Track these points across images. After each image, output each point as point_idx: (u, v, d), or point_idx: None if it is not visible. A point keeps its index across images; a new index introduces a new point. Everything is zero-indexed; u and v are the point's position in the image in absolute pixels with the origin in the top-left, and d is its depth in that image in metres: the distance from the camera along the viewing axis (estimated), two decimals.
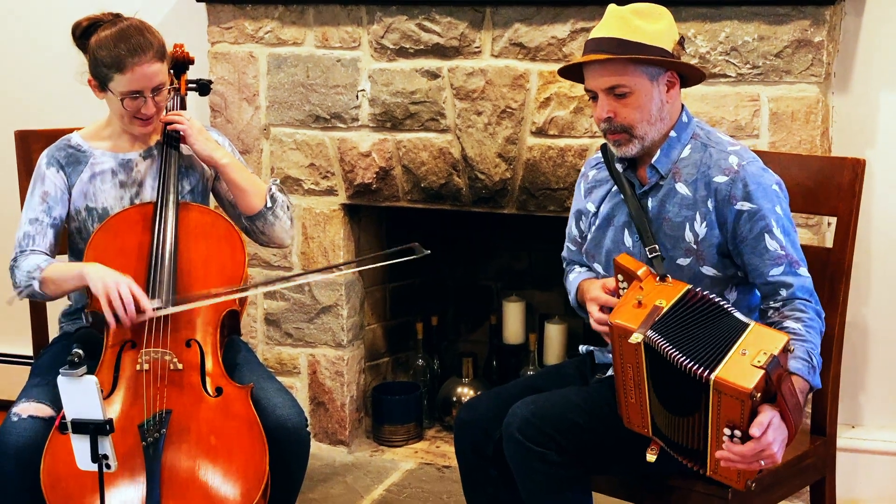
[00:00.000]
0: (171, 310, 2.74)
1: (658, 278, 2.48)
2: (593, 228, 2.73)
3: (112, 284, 2.66)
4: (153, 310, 2.70)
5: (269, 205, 2.98)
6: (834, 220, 2.82)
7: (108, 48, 2.79)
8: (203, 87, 3.21)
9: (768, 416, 2.23)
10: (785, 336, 2.31)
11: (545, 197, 3.52)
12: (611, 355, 2.61)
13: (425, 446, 3.93)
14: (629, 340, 2.37)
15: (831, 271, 2.74)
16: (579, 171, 3.40)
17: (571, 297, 2.80)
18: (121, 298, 2.65)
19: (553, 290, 4.06)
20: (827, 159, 2.96)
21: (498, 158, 3.54)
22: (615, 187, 2.68)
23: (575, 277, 2.80)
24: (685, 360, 2.29)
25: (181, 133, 2.92)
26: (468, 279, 4.23)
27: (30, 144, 3.18)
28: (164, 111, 2.97)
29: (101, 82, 2.84)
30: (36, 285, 2.79)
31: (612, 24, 2.52)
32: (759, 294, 2.62)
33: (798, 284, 2.49)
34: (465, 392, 3.97)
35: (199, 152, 2.94)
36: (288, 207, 3.03)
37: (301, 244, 3.81)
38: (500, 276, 4.20)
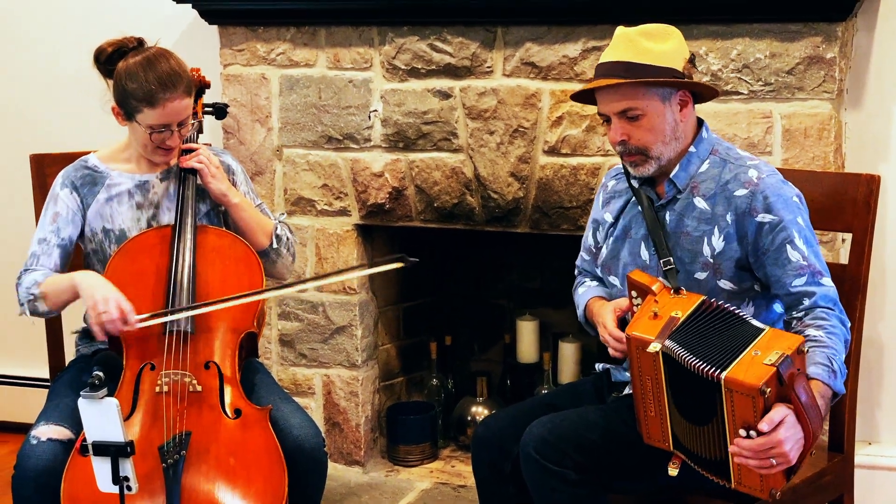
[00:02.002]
0: (148, 322, 2.73)
1: (672, 291, 2.50)
2: (610, 240, 2.74)
3: (101, 302, 2.66)
4: (137, 321, 2.69)
5: (273, 245, 3.01)
6: (849, 236, 2.82)
7: (138, 81, 2.79)
8: (219, 111, 3.23)
9: (780, 413, 2.22)
10: (800, 338, 2.31)
11: (558, 216, 3.52)
12: (627, 373, 2.62)
13: (440, 466, 3.92)
14: (647, 350, 2.38)
15: (847, 288, 2.73)
16: (592, 189, 3.43)
17: (580, 311, 2.82)
18: (108, 316, 2.65)
19: (567, 309, 4.05)
20: (841, 175, 2.96)
21: (510, 177, 3.54)
22: (633, 199, 2.69)
23: (584, 292, 2.81)
24: (698, 363, 2.30)
25: (198, 171, 2.95)
26: (481, 298, 4.23)
27: (45, 168, 3.19)
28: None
29: (127, 112, 2.85)
30: (35, 300, 2.81)
31: (621, 47, 2.54)
32: (776, 310, 2.63)
33: (821, 294, 2.49)
34: (480, 411, 3.97)
35: (212, 191, 2.96)
36: (291, 244, 3.08)
37: (315, 265, 3.82)
38: (513, 295, 4.19)
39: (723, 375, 2.25)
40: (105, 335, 2.69)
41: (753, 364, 2.25)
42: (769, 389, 2.21)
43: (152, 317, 2.74)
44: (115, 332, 2.68)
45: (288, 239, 3.07)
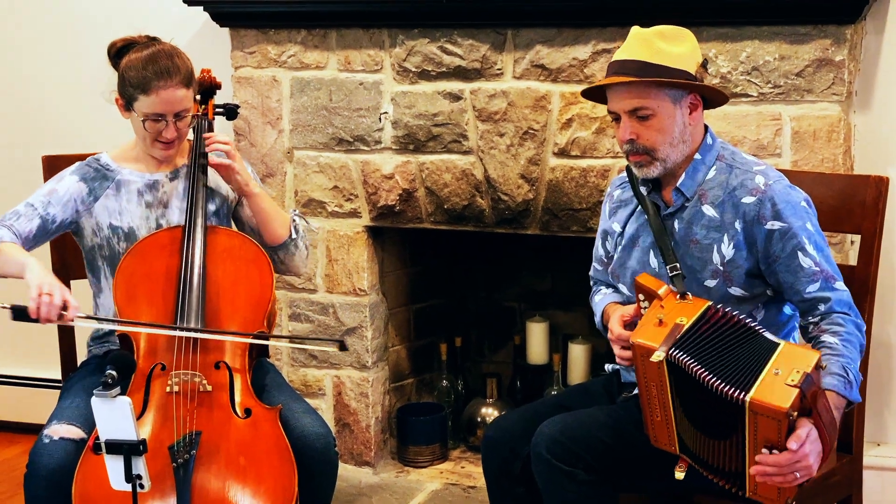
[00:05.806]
0: (84, 323, 2.74)
1: (678, 296, 2.49)
2: (619, 249, 2.74)
3: (47, 285, 2.64)
4: (72, 318, 2.66)
5: (293, 235, 3.03)
6: (858, 238, 2.82)
7: (136, 69, 2.84)
8: (230, 112, 3.25)
9: (805, 429, 2.23)
10: (816, 353, 2.30)
11: (568, 217, 3.53)
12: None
13: (450, 467, 3.93)
14: (651, 359, 2.38)
15: (856, 289, 2.73)
16: (602, 191, 3.43)
17: (597, 318, 2.82)
18: (50, 300, 2.62)
19: (576, 311, 4.07)
20: (850, 177, 2.97)
21: (520, 179, 3.55)
22: (640, 207, 2.69)
23: (601, 300, 2.81)
24: (717, 381, 2.28)
25: (228, 159, 2.94)
26: (491, 300, 4.24)
27: (57, 169, 3.20)
28: (196, 136, 3.01)
29: (126, 101, 2.89)
30: None
31: (636, 46, 2.54)
32: (786, 312, 2.63)
33: (836, 298, 2.49)
34: (490, 412, 3.98)
35: (236, 181, 2.97)
36: (306, 237, 3.09)
37: (325, 267, 3.83)
38: (523, 297, 4.20)
39: (747, 398, 2.24)
40: (38, 316, 2.62)
41: (776, 385, 2.24)
42: (795, 412, 2.21)
43: (99, 320, 2.78)
44: (50, 315, 2.62)
45: (304, 230, 3.08)
